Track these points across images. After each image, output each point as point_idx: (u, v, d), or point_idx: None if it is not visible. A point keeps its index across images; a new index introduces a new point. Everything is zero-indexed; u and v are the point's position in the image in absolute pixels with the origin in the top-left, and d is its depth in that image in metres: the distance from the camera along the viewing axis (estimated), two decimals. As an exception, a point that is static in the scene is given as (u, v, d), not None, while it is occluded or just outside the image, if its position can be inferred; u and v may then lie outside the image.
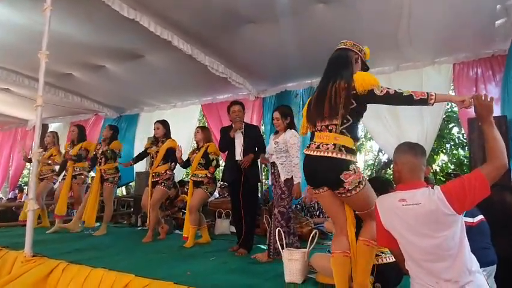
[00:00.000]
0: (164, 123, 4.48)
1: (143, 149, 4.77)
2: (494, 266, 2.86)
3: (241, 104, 3.74)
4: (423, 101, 1.81)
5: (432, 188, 1.47)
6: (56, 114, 7.92)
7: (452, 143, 7.94)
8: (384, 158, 9.76)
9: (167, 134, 4.43)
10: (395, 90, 1.87)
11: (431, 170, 7.32)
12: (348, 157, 1.93)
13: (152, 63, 4.95)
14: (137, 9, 3.56)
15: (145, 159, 5.05)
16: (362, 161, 11.20)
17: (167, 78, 5.60)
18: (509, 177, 3.55)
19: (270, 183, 3.31)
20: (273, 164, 3.22)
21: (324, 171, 1.96)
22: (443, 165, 7.81)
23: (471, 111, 4.68)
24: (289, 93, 5.73)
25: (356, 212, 2.04)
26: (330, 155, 1.92)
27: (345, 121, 1.96)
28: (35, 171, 3.17)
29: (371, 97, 1.92)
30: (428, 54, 4.56)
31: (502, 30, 3.84)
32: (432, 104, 1.82)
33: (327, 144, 1.95)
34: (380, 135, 5.20)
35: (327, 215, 2.09)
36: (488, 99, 1.56)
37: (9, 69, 5.36)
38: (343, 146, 1.93)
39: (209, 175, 3.88)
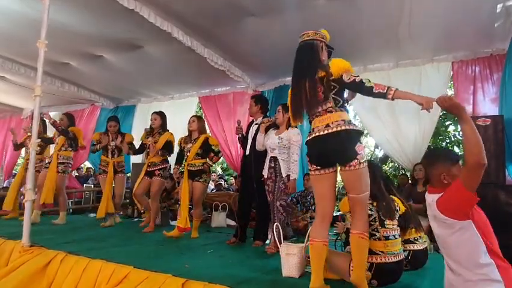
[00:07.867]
0: (161, 115, 4.53)
1: (140, 142, 4.73)
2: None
3: (256, 97, 3.85)
4: (382, 95, 1.88)
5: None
6: (51, 103, 7.84)
7: (448, 141, 8.02)
8: (380, 153, 9.81)
9: (163, 126, 4.49)
10: (361, 80, 1.97)
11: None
12: (359, 129, 2.04)
13: (150, 54, 4.91)
14: (137, 0, 3.52)
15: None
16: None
17: (165, 70, 5.57)
18: (503, 176, 3.61)
19: (266, 176, 3.29)
20: (274, 159, 3.22)
21: (339, 145, 1.97)
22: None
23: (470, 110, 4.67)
24: (288, 88, 5.68)
25: (350, 195, 2.03)
26: (345, 127, 1.97)
27: (337, 101, 2.07)
28: (33, 161, 3.13)
29: (340, 81, 2.03)
30: (427, 51, 4.57)
31: (501, 30, 3.86)
32: (392, 99, 1.87)
33: (336, 121, 2.00)
34: (376, 131, 5.21)
35: (317, 202, 2.11)
36: (450, 99, 1.55)
37: (4, 56, 5.29)
38: (350, 121, 2.02)
39: (210, 162, 4.03)
